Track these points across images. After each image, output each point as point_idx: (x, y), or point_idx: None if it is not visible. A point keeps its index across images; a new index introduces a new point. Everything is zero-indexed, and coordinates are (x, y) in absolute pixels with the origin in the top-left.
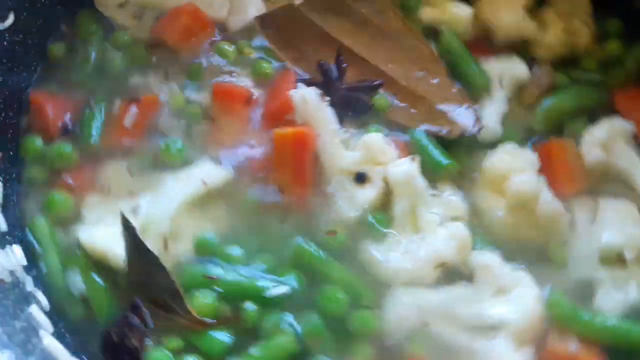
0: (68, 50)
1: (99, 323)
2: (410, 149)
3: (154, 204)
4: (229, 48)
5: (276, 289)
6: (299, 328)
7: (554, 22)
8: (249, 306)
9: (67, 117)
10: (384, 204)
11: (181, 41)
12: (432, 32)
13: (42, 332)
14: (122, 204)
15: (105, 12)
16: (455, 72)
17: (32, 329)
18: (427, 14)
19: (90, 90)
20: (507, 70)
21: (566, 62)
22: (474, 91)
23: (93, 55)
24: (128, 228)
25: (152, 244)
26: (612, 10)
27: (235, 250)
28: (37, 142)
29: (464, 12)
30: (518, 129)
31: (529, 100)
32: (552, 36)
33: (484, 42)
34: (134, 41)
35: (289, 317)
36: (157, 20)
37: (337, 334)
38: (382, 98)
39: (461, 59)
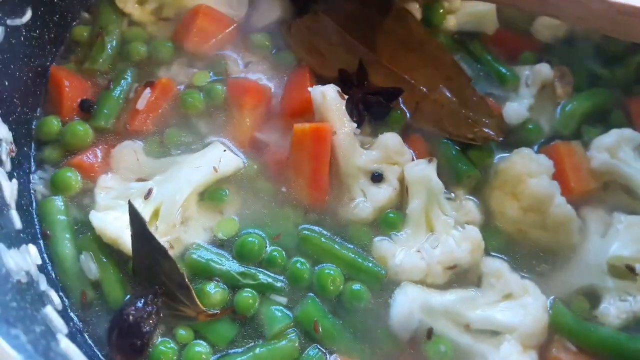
0: (90, 35)
1: (110, 306)
2: (431, 151)
3: (166, 189)
4: (263, 39)
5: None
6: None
7: None
8: (247, 294)
9: (85, 97)
10: (399, 204)
11: (201, 44)
12: (459, 40)
13: (59, 336)
14: (135, 188)
15: (124, 9)
16: (484, 75)
17: (50, 333)
18: (452, 23)
19: (110, 73)
20: (532, 71)
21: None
22: (502, 92)
23: (113, 42)
24: (136, 216)
25: (163, 230)
26: None
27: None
28: (55, 122)
29: (485, 7)
30: (543, 129)
31: (555, 100)
32: None
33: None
34: (153, 38)
35: (283, 300)
36: (176, 17)
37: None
38: (397, 112)
39: (489, 64)
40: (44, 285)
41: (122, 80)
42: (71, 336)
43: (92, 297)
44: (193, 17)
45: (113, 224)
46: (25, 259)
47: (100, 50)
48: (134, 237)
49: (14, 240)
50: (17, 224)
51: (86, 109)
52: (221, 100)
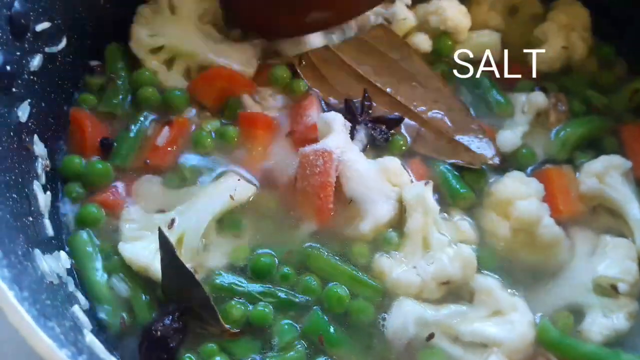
0: (105, 79)
1: (138, 324)
2: (430, 174)
3: (188, 219)
4: (283, 74)
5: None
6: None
7: (553, 36)
8: (262, 307)
9: (105, 135)
10: (398, 223)
11: (217, 102)
12: (463, 68)
13: (85, 331)
14: (158, 219)
15: (138, 54)
16: (482, 101)
17: (77, 328)
18: (460, 54)
19: (127, 113)
20: (528, 98)
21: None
22: (498, 118)
23: (126, 86)
24: (166, 244)
25: (187, 257)
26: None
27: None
28: (77, 160)
29: (491, 38)
30: (536, 154)
31: (548, 127)
32: (552, 50)
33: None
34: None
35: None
36: (187, 71)
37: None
38: (398, 139)
39: (487, 91)
40: (71, 286)
41: (139, 122)
42: (96, 333)
43: (127, 319)
44: (212, 80)
45: (142, 254)
46: (57, 264)
47: (113, 94)
48: (164, 263)
49: (47, 247)
50: (50, 231)
51: (107, 147)
52: (234, 138)
